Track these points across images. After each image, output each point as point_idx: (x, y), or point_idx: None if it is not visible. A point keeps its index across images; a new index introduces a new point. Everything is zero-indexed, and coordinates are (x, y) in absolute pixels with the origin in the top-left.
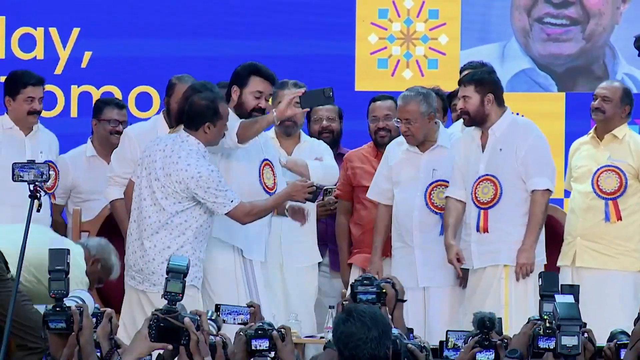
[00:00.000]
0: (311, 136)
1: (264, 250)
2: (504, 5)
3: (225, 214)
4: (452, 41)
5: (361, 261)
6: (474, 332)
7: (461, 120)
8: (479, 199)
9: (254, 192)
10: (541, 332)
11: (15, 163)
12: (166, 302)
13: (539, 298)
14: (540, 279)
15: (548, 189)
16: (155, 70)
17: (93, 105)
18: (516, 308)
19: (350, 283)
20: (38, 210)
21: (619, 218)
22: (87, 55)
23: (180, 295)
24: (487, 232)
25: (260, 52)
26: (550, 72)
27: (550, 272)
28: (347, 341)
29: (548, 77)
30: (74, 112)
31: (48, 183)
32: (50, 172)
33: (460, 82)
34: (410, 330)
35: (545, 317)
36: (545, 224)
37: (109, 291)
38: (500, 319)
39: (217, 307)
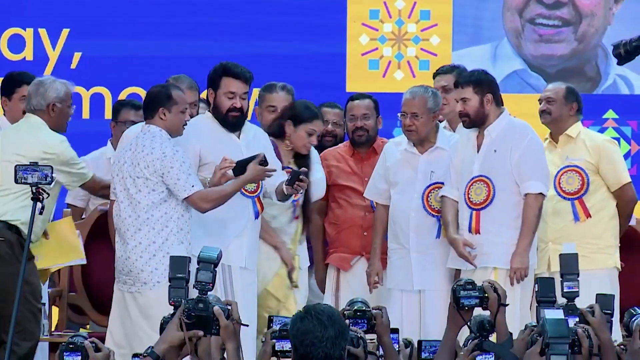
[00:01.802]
0: None
1: (245, 256)
2: (496, 6)
3: (184, 199)
4: (443, 42)
5: (337, 261)
6: (474, 335)
7: (444, 124)
8: (471, 199)
9: (234, 201)
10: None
11: (18, 165)
12: (197, 291)
13: (536, 304)
14: (536, 285)
15: (541, 193)
16: (146, 70)
17: (112, 107)
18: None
19: (452, 287)
20: (41, 213)
21: (588, 215)
22: (77, 56)
23: (211, 284)
24: (479, 233)
25: (251, 52)
26: (542, 73)
27: (547, 278)
28: (303, 338)
29: (540, 78)
30: None
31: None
32: (54, 175)
33: (456, 84)
34: (396, 330)
35: None
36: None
37: (105, 299)
38: None
39: (270, 319)
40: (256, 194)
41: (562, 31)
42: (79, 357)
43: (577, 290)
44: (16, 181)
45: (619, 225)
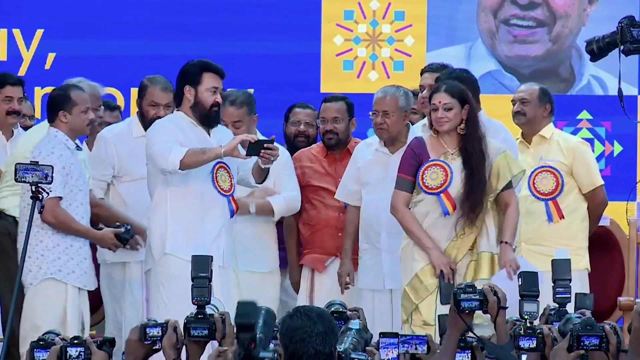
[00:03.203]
0: (286, 137)
1: (222, 254)
2: (470, 6)
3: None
4: (418, 43)
5: (311, 262)
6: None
7: (422, 122)
8: None
9: (209, 196)
10: (522, 332)
11: (18, 164)
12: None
13: (519, 298)
14: (519, 279)
15: None
16: (120, 71)
17: None
18: None
19: (452, 291)
20: (40, 212)
21: (562, 217)
22: (51, 56)
23: (253, 344)
24: None
25: (225, 51)
26: (516, 73)
27: (530, 272)
28: (292, 335)
29: (514, 78)
30: (37, 114)
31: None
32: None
33: (437, 81)
34: (396, 335)
35: (526, 317)
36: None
37: None
38: None
39: None
40: (230, 192)
41: (536, 32)
42: (206, 332)
43: (569, 296)
44: (16, 180)
45: (589, 227)
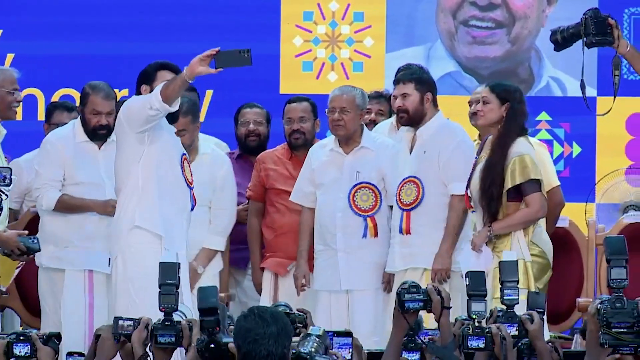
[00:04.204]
0: (237, 139)
1: (184, 245)
2: (429, 7)
3: None
4: (377, 44)
5: (274, 265)
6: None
7: (387, 122)
8: (402, 200)
9: (178, 184)
10: (470, 331)
11: None
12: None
13: (467, 298)
14: (467, 279)
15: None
16: (79, 71)
17: (45, 109)
18: None
19: (397, 291)
20: None
21: None
22: (10, 57)
23: (217, 328)
24: (410, 233)
25: (184, 52)
26: (475, 75)
27: (477, 272)
28: (246, 336)
29: (473, 80)
30: None
31: None
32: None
33: (397, 81)
34: (349, 334)
35: (474, 316)
36: None
37: (36, 300)
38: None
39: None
40: (192, 185)
41: (495, 33)
42: (173, 339)
43: (517, 297)
44: None
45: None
